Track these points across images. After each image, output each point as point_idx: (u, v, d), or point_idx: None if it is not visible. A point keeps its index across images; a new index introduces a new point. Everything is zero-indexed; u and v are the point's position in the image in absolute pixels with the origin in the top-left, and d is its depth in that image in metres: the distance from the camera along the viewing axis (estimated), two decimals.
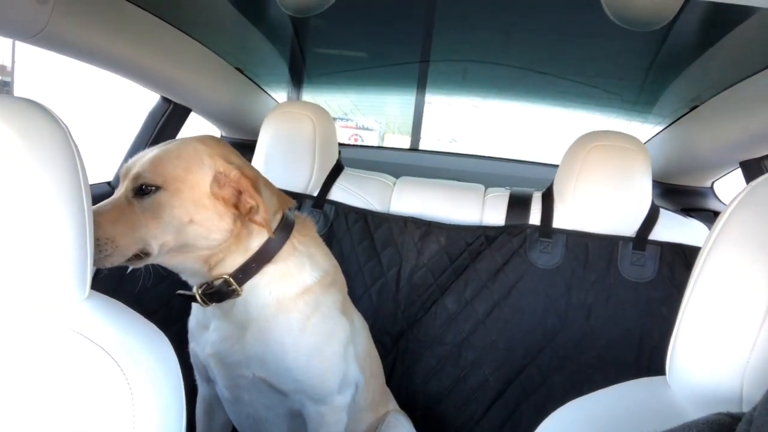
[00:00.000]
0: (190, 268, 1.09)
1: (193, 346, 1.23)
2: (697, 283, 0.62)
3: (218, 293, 1.08)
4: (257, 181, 1.06)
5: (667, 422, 0.51)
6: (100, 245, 0.95)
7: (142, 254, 1.02)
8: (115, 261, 0.99)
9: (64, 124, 0.74)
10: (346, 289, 1.30)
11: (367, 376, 1.31)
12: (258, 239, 1.09)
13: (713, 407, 0.52)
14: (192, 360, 1.26)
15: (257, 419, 1.26)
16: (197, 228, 1.02)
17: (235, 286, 1.07)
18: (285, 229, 1.13)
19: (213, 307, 1.12)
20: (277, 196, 1.16)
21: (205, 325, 1.18)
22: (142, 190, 1.00)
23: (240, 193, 1.04)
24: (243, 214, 1.05)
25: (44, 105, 0.74)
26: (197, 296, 1.09)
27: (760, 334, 0.55)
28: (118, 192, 1.04)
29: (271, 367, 1.12)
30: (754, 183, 0.61)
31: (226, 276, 1.07)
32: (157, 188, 1.00)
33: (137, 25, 1.53)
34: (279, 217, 1.14)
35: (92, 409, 0.65)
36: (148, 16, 1.55)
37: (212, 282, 1.08)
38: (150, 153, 1.05)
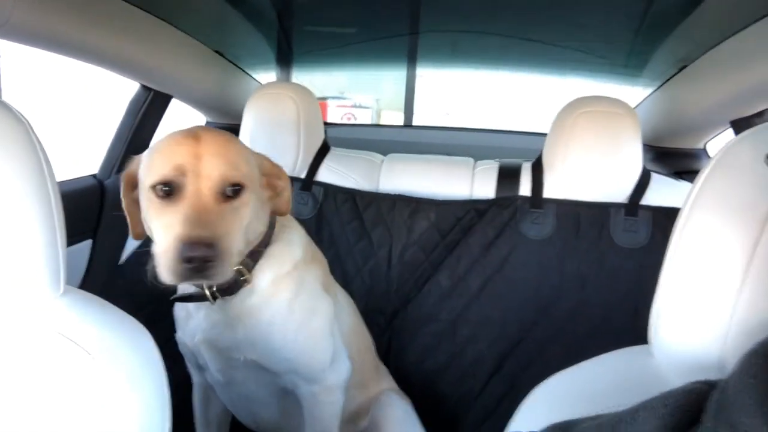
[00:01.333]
0: None
1: (180, 335, 1.21)
2: (675, 250, 0.61)
3: (230, 287, 1.03)
4: (273, 164, 1.11)
5: (650, 392, 0.50)
6: (225, 258, 0.87)
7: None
8: (227, 274, 0.91)
9: (25, 119, 0.72)
10: (326, 265, 1.29)
11: (353, 352, 1.29)
12: (264, 222, 1.09)
13: (695, 375, 0.51)
14: (180, 349, 1.25)
15: (250, 399, 1.26)
16: (256, 222, 1.02)
17: (247, 275, 1.04)
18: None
19: (220, 301, 1.06)
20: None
21: (190, 312, 1.17)
22: (226, 192, 0.93)
23: (273, 178, 1.08)
24: (274, 197, 1.09)
25: (4, 101, 0.72)
26: (207, 294, 1.03)
27: (739, 299, 0.54)
28: (194, 197, 0.90)
29: (262, 349, 1.11)
30: (729, 143, 0.59)
31: (239, 267, 1.01)
32: (242, 187, 0.94)
33: (109, 12, 1.49)
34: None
35: (72, 408, 0.64)
36: (119, 2, 1.51)
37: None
38: (209, 151, 0.92)
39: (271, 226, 1.11)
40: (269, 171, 1.07)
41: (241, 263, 1.02)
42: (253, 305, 1.09)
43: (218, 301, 1.06)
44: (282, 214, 1.12)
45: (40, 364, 0.66)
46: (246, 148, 1.04)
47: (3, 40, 1.25)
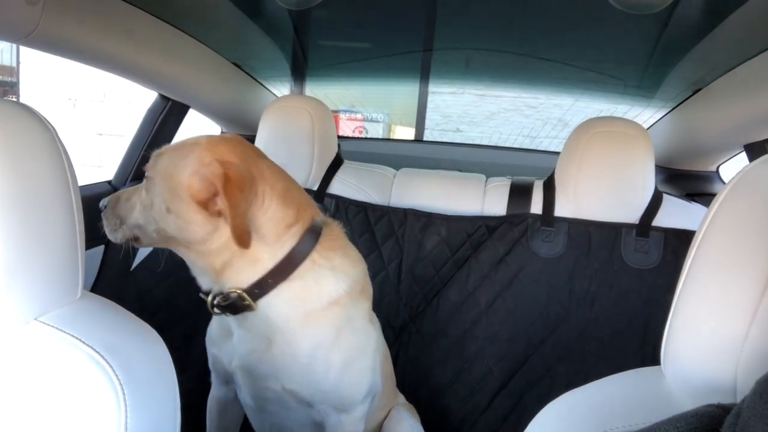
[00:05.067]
0: (194, 263, 1.09)
1: (215, 352, 1.21)
2: (690, 271, 0.61)
3: (232, 306, 1.05)
4: (244, 184, 1.00)
5: (661, 413, 0.50)
6: (110, 219, 1.11)
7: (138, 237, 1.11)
8: (118, 237, 1.12)
9: (51, 126, 0.74)
10: (371, 295, 1.25)
11: (383, 378, 1.29)
12: (270, 250, 1.04)
13: (707, 397, 0.51)
14: (211, 365, 1.25)
15: (281, 428, 1.26)
16: (175, 219, 1.02)
17: (249, 301, 1.04)
18: (307, 242, 1.08)
19: (230, 317, 1.10)
20: (297, 207, 1.09)
21: (227, 330, 1.16)
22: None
23: (216, 193, 0.99)
24: (211, 215, 1.01)
25: (30, 107, 0.73)
26: (208, 303, 1.07)
27: (754, 322, 0.54)
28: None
29: (301, 380, 1.10)
30: (747, 167, 0.59)
31: (239, 291, 1.04)
32: (152, 177, 1.06)
33: (131, 23, 1.52)
34: (297, 229, 1.07)
35: (83, 411, 0.65)
36: (141, 14, 1.54)
37: (228, 294, 1.05)
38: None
39: (292, 260, 1.05)
40: (210, 181, 1.00)
41: (246, 290, 1.04)
42: (282, 335, 1.07)
43: (240, 321, 1.10)
44: (239, 245, 1.00)
45: (54, 365, 0.67)
46: (192, 147, 1.04)
47: (30, 48, 1.29)
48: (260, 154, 1.11)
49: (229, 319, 1.12)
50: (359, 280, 1.15)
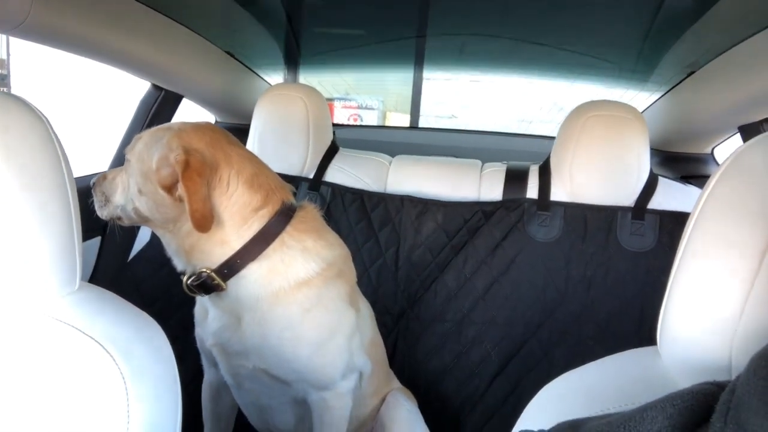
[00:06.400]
0: (168, 244, 1.14)
1: (199, 332, 1.24)
2: (685, 251, 0.62)
3: (204, 285, 1.09)
4: (204, 170, 1.03)
5: (657, 392, 0.51)
6: (98, 197, 1.18)
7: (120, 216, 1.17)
8: (104, 214, 1.18)
9: (44, 116, 0.73)
10: (355, 279, 1.27)
11: (372, 364, 1.31)
12: (236, 232, 1.08)
13: (703, 376, 0.52)
14: (198, 345, 1.27)
15: (262, 407, 1.27)
16: (147, 200, 1.08)
17: (218, 281, 1.08)
18: (275, 224, 1.10)
19: (204, 298, 1.15)
20: (267, 191, 1.11)
21: (207, 310, 1.19)
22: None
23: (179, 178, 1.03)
24: (177, 200, 1.05)
25: (23, 98, 0.73)
26: (184, 284, 1.11)
27: (748, 301, 0.54)
28: None
29: (271, 360, 1.12)
30: (740, 148, 0.60)
31: (208, 270, 1.08)
32: (129, 160, 1.12)
33: (122, 12, 1.51)
34: (265, 212, 1.10)
35: (85, 400, 0.65)
36: (133, 3, 1.53)
37: (199, 274, 1.09)
38: None
39: (260, 241, 1.08)
40: (172, 168, 1.03)
41: (214, 271, 1.08)
42: (251, 313, 1.10)
43: (210, 299, 1.15)
44: (197, 229, 1.03)
45: (55, 356, 0.67)
46: (164, 133, 1.08)
47: (20, 39, 1.27)
48: (231, 141, 1.14)
49: (205, 300, 1.17)
50: (335, 263, 1.17)
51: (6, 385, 0.64)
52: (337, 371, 1.17)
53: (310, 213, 1.19)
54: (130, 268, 1.82)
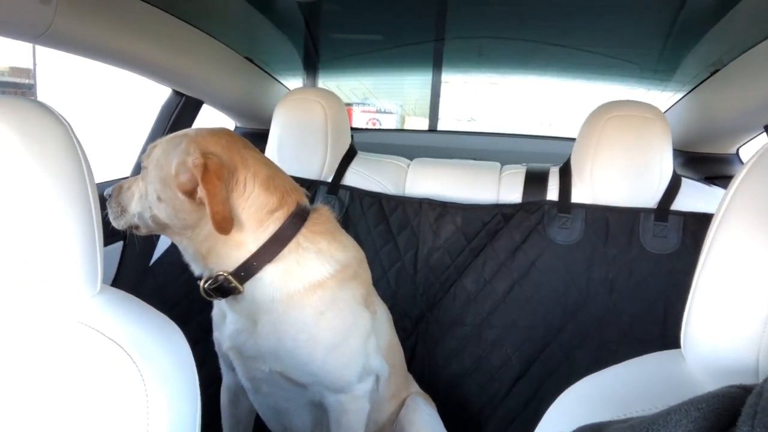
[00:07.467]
0: (185, 249, 1.15)
1: (217, 335, 1.25)
2: (709, 253, 0.60)
3: (221, 288, 1.10)
4: (223, 173, 1.04)
5: (682, 395, 0.49)
6: (114, 208, 1.17)
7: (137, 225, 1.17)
8: (120, 224, 1.18)
9: (67, 122, 0.74)
10: (370, 281, 1.27)
11: (389, 367, 1.30)
12: (253, 235, 1.09)
13: (728, 379, 0.50)
14: (216, 348, 1.28)
15: (279, 410, 1.27)
16: (166, 207, 1.09)
17: (235, 284, 1.08)
18: (290, 226, 1.11)
19: (222, 301, 1.16)
20: (282, 193, 1.12)
21: (224, 314, 1.20)
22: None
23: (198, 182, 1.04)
24: (197, 204, 1.06)
25: (46, 104, 0.74)
26: (200, 288, 1.12)
27: None
28: None
29: (287, 362, 1.12)
30: (765, 146, 0.58)
31: (225, 273, 1.09)
32: (146, 167, 1.13)
33: (143, 19, 1.54)
34: (280, 214, 1.11)
35: (106, 402, 0.66)
36: (153, 10, 1.55)
37: (216, 277, 1.10)
38: None
39: (275, 243, 1.09)
40: (191, 172, 1.04)
41: (231, 274, 1.08)
42: (267, 316, 1.11)
43: (227, 303, 1.15)
44: (218, 231, 1.04)
45: (76, 358, 0.68)
46: (181, 139, 1.09)
47: (44, 47, 1.30)
48: (247, 145, 1.15)
49: (222, 303, 1.17)
50: (349, 265, 1.17)
51: (28, 387, 0.65)
52: (352, 373, 1.17)
53: (324, 215, 1.20)
54: (152, 272, 1.84)
